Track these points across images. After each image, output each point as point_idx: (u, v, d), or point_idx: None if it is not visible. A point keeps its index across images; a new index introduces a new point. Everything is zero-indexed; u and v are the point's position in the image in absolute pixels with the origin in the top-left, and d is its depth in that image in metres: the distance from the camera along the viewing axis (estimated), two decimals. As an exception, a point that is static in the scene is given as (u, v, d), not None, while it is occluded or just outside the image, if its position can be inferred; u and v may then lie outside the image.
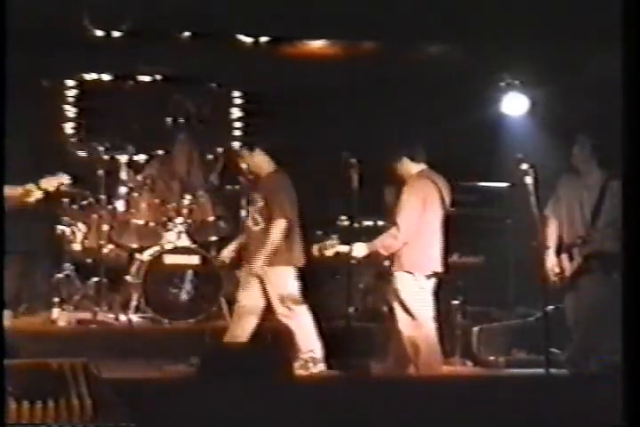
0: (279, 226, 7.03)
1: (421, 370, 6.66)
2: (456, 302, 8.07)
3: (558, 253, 6.78)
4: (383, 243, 6.74)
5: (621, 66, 4.80)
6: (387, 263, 6.81)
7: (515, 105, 9.11)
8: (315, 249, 6.93)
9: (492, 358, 7.80)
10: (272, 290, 7.11)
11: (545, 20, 7.69)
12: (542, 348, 6.54)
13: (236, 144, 10.21)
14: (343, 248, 6.80)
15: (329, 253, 6.85)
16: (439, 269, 6.79)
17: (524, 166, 6.60)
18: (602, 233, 6.67)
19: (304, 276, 7.29)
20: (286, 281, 7.14)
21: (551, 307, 6.77)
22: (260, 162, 7.29)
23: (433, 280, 6.80)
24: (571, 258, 6.76)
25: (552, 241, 6.84)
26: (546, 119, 8.74)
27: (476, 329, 7.98)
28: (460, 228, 8.23)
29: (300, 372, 6.70)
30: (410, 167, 6.87)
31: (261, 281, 7.11)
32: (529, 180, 6.59)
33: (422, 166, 6.87)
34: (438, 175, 6.90)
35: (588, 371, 6.54)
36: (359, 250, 6.74)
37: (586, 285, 6.71)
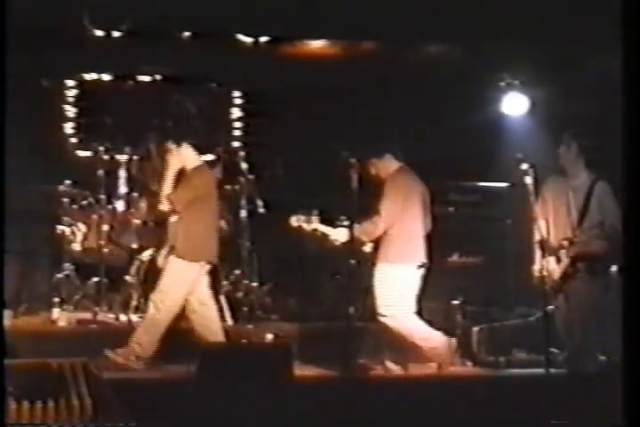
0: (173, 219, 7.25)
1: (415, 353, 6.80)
2: (456, 302, 8.07)
3: (545, 254, 6.78)
4: (364, 228, 6.85)
5: (621, 66, 4.80)
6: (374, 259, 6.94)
7: (515, 105, 9.10)
8: (293, 220, 6.95)
9: (491, 358, 7.79)
10: (160, 279, 7.25)
11: (545, 20, 7.69)
12: (542, 348, 6.55)
13: (237, 144, 10.24)
14: (323, 228, 6.89)
15: (308, 227, 6.91)
16: (423, 260, 6.88)
17: (524, 166, 6.62)
18: (588, 234, 6.68)
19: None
20: (170, 271, 7.22)
21: (551, 307, 6.76)
22: (185, 156, 7.33)
23: (418, 274, 6.87)
24: (558, 260, 6.75)
25: (538, 244, 6.84)
26: (546, 119, 8.74)
27: (476, 329, 7.97)
28: (460, 228, 8.26)
29: (118, 359, 6.81)
30: (390, 164, 7.03)
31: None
32: (529, 180, 6.61)
33: (401, 164, 6.96)
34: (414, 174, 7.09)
35: (587, 371, 6.54)
36: (340, 234, 6.81)
37: (574, 286, 6.71)
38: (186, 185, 7.25)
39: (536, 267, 6.78)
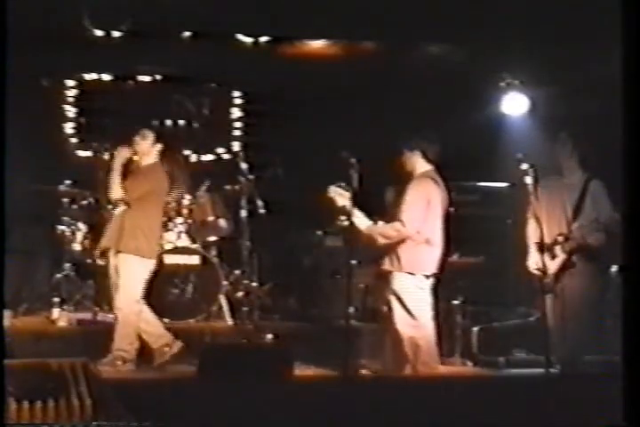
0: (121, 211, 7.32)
1: (420, 370, 6.66)
2: (456, 302, 8.07)
3: (541, 252, 6.78)
4: (384, 231, 6.65)
5: (621, 66, 4.80)
6: (386, 265, 6.79)
7: (515, 105, 9.11)
8: (330, 190, 6.72)
9: (491, 358, 7.80)
10: (116, 279, 7.28)
11: (545, 20, 7.69)
12: (542, 348, 6.55)
13: (237, 144, 10.25)
14: (350, 207, 6.66)
15: (340, 202, 6.71)
16: (438, 270, 6.79)
17: (524, 166, 6.61)
18: (583, 230, 6.68)
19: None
20: (129, 271, 7.24)
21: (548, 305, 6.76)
22: (145, 150, 7.38)
23: (431, 280, 6.79)
24: (553, 256, 6.76)
25: (534, 241, 6.85)
26: (546, 119, 8.74)
27: (475, 329, 7.97)
28: (460, 228, 8.24)
29: (105, 368, 6.69)
30: (418, 164, 6.84)
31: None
32: (529, 180, 6.60)
33: (429, 166, 6.83)
34: (440, 178, 6.85)
35: (587, 371, 6.54)
36: (363, 222, 6.69)
37: (571, 281, 6.71)
38: (143, 178, 7.30)
39: (531, 264, 6.78)
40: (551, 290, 6.71)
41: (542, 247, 6.75)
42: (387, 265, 6.73)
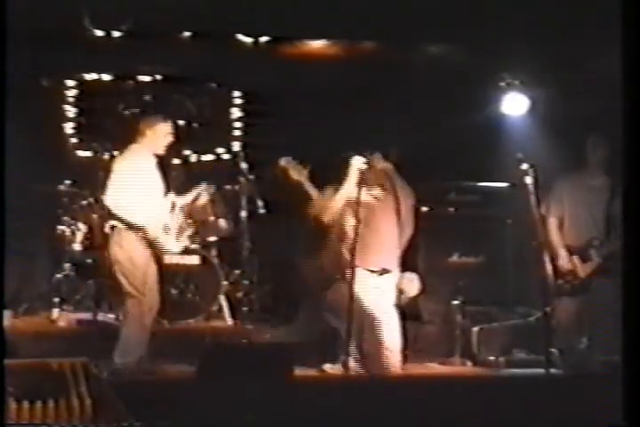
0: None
1: (380, 367, 6.71)
2: (456, 302, 8.07)
3: (569, 253, 6.79)
4: (318, 203, 6.95)
5: (621, 66, 4.81)
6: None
7: (515, 105, 9.10)
8: (282, 160, 7.15)
9: (492, 358, 7.80)
10: None
11: (545, 20, 7.69)
12: (542, 348, 6.55)
13: (237, 144, 10.24)
14: (308, 185, 7.14)
15: (294, 175, 7.17)
16: (389, 266, 6.82)
17: (524, 166, 6.62)
18: (617, 233, 6.68)
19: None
20: None
21: (550, 307, 6.76)
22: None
23: (386, 278, 6.82)
24: (584, 259, 6.74)
25: (557, 241, 6.84)
26: (546, 119, 8.74)
27: (475, 329, 7.97)
28: (460, 228, 8.25)
29: None
30: (377, 164, 6.97)
31: None
32: (529, 180, 6.61)
33: (386, 164, 6.94)
34: (401, 177, 6.98)
35: (587, 371, 6.54)
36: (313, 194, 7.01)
37: (601, 284, 6.70)
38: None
39: (563, 265, 6.76)
40: (576, 291, 6.72)
41: (571, 249, 6.75)
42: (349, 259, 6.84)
